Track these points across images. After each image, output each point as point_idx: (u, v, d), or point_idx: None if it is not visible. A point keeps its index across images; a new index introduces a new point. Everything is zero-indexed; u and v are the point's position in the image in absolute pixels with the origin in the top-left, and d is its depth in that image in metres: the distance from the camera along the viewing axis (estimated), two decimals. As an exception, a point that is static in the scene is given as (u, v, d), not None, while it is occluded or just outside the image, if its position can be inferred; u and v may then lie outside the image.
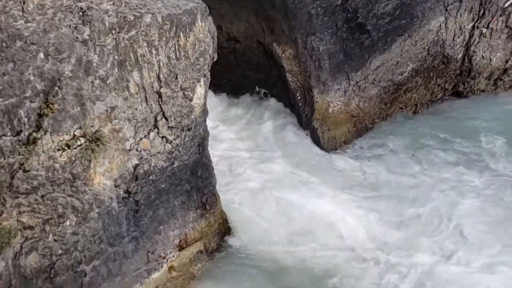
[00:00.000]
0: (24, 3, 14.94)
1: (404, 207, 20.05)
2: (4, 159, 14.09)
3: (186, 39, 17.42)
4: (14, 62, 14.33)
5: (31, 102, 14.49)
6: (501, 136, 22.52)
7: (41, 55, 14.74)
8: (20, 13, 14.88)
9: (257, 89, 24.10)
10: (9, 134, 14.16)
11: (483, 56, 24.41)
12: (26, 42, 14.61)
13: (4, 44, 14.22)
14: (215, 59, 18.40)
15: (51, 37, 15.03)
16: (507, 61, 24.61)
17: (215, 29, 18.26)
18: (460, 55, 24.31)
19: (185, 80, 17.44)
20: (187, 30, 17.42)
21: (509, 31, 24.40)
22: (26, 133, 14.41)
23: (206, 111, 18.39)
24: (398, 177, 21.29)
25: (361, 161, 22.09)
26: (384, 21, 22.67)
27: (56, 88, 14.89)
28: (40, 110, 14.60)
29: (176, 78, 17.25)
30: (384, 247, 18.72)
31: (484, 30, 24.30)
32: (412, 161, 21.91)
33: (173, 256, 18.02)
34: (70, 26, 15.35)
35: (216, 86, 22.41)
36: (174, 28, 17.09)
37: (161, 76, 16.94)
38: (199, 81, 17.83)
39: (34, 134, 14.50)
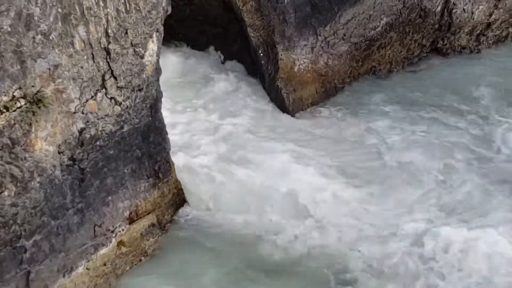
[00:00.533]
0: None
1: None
2: None
3: (139, -16, 17.47)
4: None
5: (-33, 60, 14.57)
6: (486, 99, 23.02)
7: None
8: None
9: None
10: None
11: (464, 9, 24.63)
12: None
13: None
14: (169, 12, 18.45)
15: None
16: (490, 15, 24.86)
17: (168, -21, 18.36)
18: (439, 8, 24.49)
19: (135, 35, 17.47)
20: (139, -26, 17.45)
21: (493, -19, 24.69)
22: (-36, 95, 14.49)
23: (159, 69, 18.43)
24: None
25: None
26: None
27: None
28: (-24, 69, 14.65)
29: (126, 33, 17.29)
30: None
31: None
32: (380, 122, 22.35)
33: (123, 230, 18.08)
34: (8, -26, 15.37)
35: (168, 41, 22.50)
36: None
37: (109, 31, 16.95)
38: (151, 37, 17.88)
39: (-27, 95, 14.57)
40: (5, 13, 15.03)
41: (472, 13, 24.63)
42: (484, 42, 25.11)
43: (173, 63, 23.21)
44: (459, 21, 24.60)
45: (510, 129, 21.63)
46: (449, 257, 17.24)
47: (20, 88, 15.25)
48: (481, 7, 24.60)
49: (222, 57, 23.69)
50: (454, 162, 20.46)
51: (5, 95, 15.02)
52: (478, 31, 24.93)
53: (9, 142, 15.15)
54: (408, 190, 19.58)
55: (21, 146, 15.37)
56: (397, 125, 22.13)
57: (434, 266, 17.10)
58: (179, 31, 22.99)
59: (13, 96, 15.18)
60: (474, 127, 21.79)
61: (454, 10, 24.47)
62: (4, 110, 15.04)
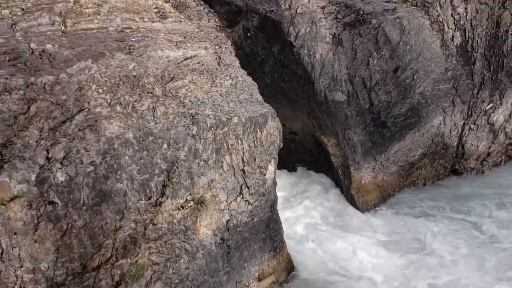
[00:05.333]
0: (154, 111, 15.63)
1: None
2: (140, 216, 14.57)
3: (261, 133, 17.78)
4: (147, 151, 14.92)
5: (158, 177, 15.02)
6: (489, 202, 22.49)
7: (165, 145, 15.32)
8: (152, 117, 15.57)
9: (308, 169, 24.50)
10: (143, 199, 14.66)
11: (472, 144, 24.20)
12: (155, 137, 15.22)
13: (141, 139, 14.84)
14: (281, 147, 18.73)
15: (172, 133, 15.62)
16: (489, 147, 24.38)
17: (280, 126, 18.64)
18: (455, 143, 24.19)
19: (260, 161, 17.77)
20: (262, 127, 17.79)
21: (490, 126, 24.25)
22: (155, 198, 14.89)
23: (275, 182, 18.62)
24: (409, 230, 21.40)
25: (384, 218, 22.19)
26: (400, 120, 22.80)
27: (175, 167, 15.41)
28: (164, 183, 15.08)
29: (255, 160, 17.59)
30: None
31: (472, 126, 24.19)
32: (421, 219, 21.91)
33: (254, 285, 18.07)
34: (184, 125, 15.94)
35: (282, 165, 22.69)
36: (253, 126, 17.49)
37: (244, 158, 17.30)
38: (270, 162, 18.13)
39: (160, 199, 14.96)
40: (182, 148, 15.60)
41: (478, 146, 24.19)
42: (486, 165, 24.53)
43: (284, 178, 23.30)
44: (469, 151, 24.18)
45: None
46: None
47: (190, 194, 15.67)
48: (483, 142, 24.20)
49: (316, 174, 23.70)
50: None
51: (181, 199, 15.45)
52: (482, 158, 24.41)
53: (183, 228, 15.51)
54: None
55: (191, 231, 15.68)
56: (433, 219, 21.71)
57: None
58: (287, 158, 23.15)
59: (186, 199, 15.59)
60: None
61: (465, 145, 24.12)
62: (181, 208, 15.43)
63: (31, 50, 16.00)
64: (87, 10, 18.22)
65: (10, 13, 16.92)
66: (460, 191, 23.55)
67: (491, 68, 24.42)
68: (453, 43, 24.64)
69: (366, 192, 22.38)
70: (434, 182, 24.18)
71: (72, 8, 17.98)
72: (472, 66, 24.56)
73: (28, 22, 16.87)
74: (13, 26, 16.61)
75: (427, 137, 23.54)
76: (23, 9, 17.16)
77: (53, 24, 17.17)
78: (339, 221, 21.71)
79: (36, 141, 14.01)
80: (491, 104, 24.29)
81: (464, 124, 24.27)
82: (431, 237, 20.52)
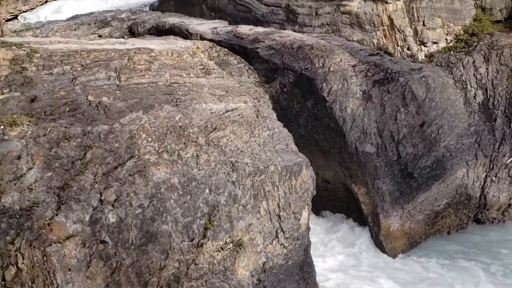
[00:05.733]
0: (197, 158, 15.78)
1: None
2: (183, 256, 14.62)
3: (296, 181, 17.83)
4: (190, 195, 15.07)
5: (200, 220, 15.11)
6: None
7: (207, 190, 15.44)
8: (195, 164, 15.73)
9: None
10: (186, 240, 14.74)
11: (493, 195, 23.84)
12: (198, 182, 15.36)
13: (185, 184, 14.98)
14: (314, 194, 18.71)
15: (213, 179, 15.76)
16: (510, 199, 24.03)
17: (314, 175, 18.66)
18: (478, 194, 23.85)
19: (295, 207, 17.75)
20: (297, 175, 17.85)
21: (511, 179, 23.97)
22: (197, 240, 14.95)
23: (309, 227, 18.55)
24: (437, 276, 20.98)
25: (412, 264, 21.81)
26: (426, 171, 22.60)
27: (216, 211, 15.49)
28: (206, 225, 15.16)
29: (290, 206, 17.59)
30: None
31: (494, 178, 23.91)
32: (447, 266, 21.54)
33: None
34: (224, 172, 16.07)
35: (315, 211, 22.61)
36: (289, 174, 17.56)
37: (280, 204, 17.31)
38: (304, 208, 18.09)
39: (202, 240, 15.03)
40: (222, 193, 15.69)
41: (499, 197, 23.83)
42: (507, 215, 24.13)
43: (317, 223, 23.11)
44: (491, 202, 23.80)
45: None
46: None
47: (229, 237, 15.69)
48: (504, 194, 23.82)
49: (347, 220, 23.48)
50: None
51: (221, 241, 15.48)
52: (503, 209, 24.02)
53: (223, 268, 15.47)
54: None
55: (230, 271, 15.65)
56: (459, 265, 21.40)
57: None
58: (320, 205, 23.05)
59: (226, 242, 15.60)
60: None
61: (487, 196, 23.77)
62: (221, 250, 15.43)
63: (89, 102, 16.39)
64: (139, 67, 18.63)
65: (71, 68, 17.38)
66: (484, 239, 23.15)
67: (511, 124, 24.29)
68: (476, 100, 24.68)
69: (394, 238, 22.06)
70: (458, 230, 23.72)
71: (126, 64, 18.40)
72: (494, 123, 24.46)
73: (87, 77, 17.31)
74: (73, 80, 17.06)
75: (452, 188, 23.25)
76: (82, 65, 17.63)
77: (109, 78, 17.59)
78: (368, 265, 21.38)
79: (91, 185, 14.25)
80: (511, 158, 24.02)
81: (486, 176, 23.99)
82: (459, 282, 20.13)
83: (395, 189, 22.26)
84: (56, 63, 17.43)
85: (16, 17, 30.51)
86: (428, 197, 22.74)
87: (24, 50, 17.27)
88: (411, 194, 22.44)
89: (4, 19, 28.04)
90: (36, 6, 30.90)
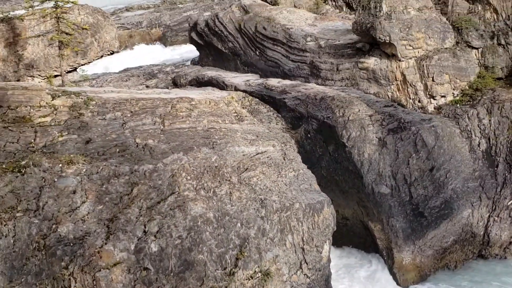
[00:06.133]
0: (230, 195, 15.64)
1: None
2: (217, 283, 14.41)
3: (318, 217, 17.63)
4: (224, 228, 14.92)
5: (232, 251, 14.91)
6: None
7: (238, 224, 15.29)
8: (228, 201, 15.59)
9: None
10: (220, 269, 14.54)
11: (496, 234, 23.32)
12: (231, 217, 15.22)
13: (219, 218, 14.83)
14: (334, 229, 18.45)
15: (244, 215, 15.61)
16: (511, 237, 23.48)
17: (334, 212, 18.49)
18: (482, 232, 23.37)
19: (317, 241, 17.48)
20: (319, 212, 17.66)
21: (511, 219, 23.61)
22: (229, 269, 14.75)
23: (330, 259, 18.26)
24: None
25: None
26: (435, 211, 22.19)
27: (246, 243, 15.29)
28: (237, 256, 14.94)
29: (313, 239, 17.33)
30: None
31: (496, 218, 23.42)
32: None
33: None
34: (254, 208, 15.93)
35: (335, 244, 22.24)
36: (312, 211, 17.37)
37: (304, 238, 17.07)
38: (325, 242, 17.83)
39: (233, 269, 14.82)
40: (252, 227, 15.49)
41: (501, 236, 23.28)
42: (508, 252, 23.49)
43: (337, 256, 22.68)
44: (494, 240, 23.25)
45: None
46: None
47: (258, 266, 15.44)
48: (505, 232, 23.24)
49: (364, 253, 23.02)
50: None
51: (251, 270, 15.26)
52: (505, 246, 23.43)
53: (253, 295, 15.15)
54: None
55: (258, 298, 15.32)
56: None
57: None
58: (340, 239, 22.65)
59: (255, 271, 15.37)
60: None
61: (490, 234, 23.28)
62: (250, 278, 15.19)
63: (136, 144, 16.45)
64: (181, 113, 18.70)
65: (122, 114, 17.51)
66: (487, 273, 22.59)
67: (512, 170, 23.95)
68: (480, 148, 24.38)
69: (407, 271, 21.57)
70: (464, 264, 23.13)
71: (169, 111, 18.49)
72: (496, 168, 24.07)
73: (135, 122, 17.40)
74: (123, 124, 17.16)
75: (458, 226, 22.79)
76: (131, 112, 17.75)
77: (154, 123, 17.66)
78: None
79: (136, 217, 14.20)
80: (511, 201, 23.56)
81: (489, 216, 23.52)
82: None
83: (408, 227, 21.83)
84: (109, 109, 17.58)
85: (75, 69, 31.01)
86: (437, 234, 22.26)
87: (81, 98, 17.46)
88: (422, 231, 22.00)
89: (65, 71, 28.51)
90: (93, 60, 31.34)
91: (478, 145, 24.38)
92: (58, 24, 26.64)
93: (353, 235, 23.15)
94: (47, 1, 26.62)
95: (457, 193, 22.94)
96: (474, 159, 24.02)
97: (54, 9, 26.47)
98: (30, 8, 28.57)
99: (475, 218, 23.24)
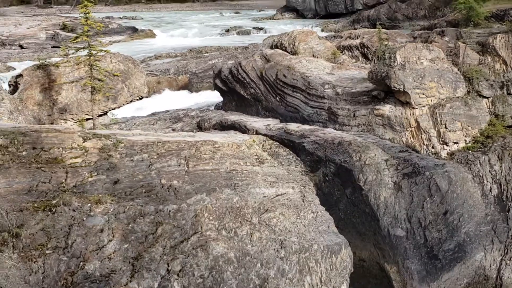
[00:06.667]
0: (251, 236, 15.32)
1: None
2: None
3: (336, 259, 17.08)
4: (244, 268, 14.53)
5: None
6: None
7: (259, 264, 14.91)
8: (249, 241, 15.24)
9: None
10: (241, 306, 14.04)
11: (508, 277, 22.45)
12: (251, 257, 14.84)
13: (240, 258, 14.50)
14: (352, 271, 17.87)
15: (264, 255, 15.22)
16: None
17: (352, 254, 17.87)
18: (494, 275, 22.54)
19: (335, 282, 16.87)
20: (337, 254, 17.14)
21: (525, 262, 22.80)
22: (251, 306, 14.24)
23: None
24: None
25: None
26: (449, 254, 21.56)
27: (266, 283, 14.86)
28: (258, 294, 14.48)
29: (330, 280, 16.76)
30: None
31: (508, 262, 22.58)
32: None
33: None
34: (274, 249, 15.53)
35: (352, 286, 21.70)
36: (330, 252, 16.89)
37: (322, 279, 16.51)
38: (343, 283, 17.19)
39: (254, 307, 14.30)
40: (272, 267, 15.07)
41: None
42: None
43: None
44: (506, 283, 22.44)
45: None
46: None
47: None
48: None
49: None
50: None
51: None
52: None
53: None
54: None
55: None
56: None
57: None
58: (357, 280, 22.01)
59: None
60: None
61: (503, 277, 22.44)
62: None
63: (162, 185, 16.26)
64: (205, 156, 18.53)
65: (149, 156, 17.39)
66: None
67: (523, 214, 23.26)
68: (491, 193, 23.83)
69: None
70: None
71: (194, 153, 18.33)
72: (507, 213, 23.42)
73: (161, 163, 17.25)
74: (150, 166, 17.02)
75: (471, 269, 22.09)
76: (158, 154, 17.62)
77: (179, 165, 17.51)
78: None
79: (160, 256, 13.89)
80: (522, 245, 22.93)
81: (501, 260, 22.76)
82: None
83: (423, 269, 21.18)
84: (136, 151, 17.48)
85: (106, 113, 31.27)
86: (451, 277, 21.55)
87: (111, 141, 17.40)
88: (436, 273, 21.32)
89: (96, 114, 28.71)
90: (123, 104, 31.63)
91: (490, 190, 23.82)
92: (91, 71, 26.94)
93: (369, 277, 22.58)
94: (82, 50, 27.03)
95: (470, 236, 22.30)
96: (486, 203, 23.46)
97: (88, 57, 26.82)
98: (65, 56, 29.04)
99: (488, 261, 22.51)
